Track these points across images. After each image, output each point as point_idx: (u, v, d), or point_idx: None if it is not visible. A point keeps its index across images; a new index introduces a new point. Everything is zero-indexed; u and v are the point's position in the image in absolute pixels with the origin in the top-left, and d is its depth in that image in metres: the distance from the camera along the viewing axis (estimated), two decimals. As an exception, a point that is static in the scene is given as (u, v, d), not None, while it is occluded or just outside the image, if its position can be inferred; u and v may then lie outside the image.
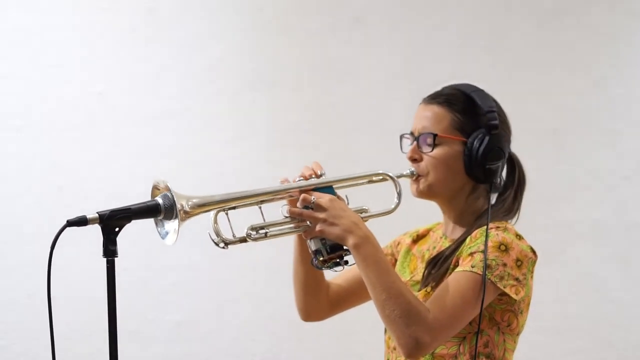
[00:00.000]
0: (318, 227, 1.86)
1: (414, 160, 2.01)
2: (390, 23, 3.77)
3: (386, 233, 2.17)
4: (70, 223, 1.67)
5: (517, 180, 2.05)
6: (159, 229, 1.77)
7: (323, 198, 1.87)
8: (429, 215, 2.17)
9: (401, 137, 2.05)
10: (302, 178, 1.94)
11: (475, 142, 1.96)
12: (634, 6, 3.83)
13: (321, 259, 1.90)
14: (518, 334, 1.98)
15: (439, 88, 2.06)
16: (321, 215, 1.85)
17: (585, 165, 3.80)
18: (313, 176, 1.94)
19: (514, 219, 2.03)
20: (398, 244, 2.20)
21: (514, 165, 2.06)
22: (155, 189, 1.78)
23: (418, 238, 2.16)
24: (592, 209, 3.79)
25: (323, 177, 1.95)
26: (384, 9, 3.77)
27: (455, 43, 3.78)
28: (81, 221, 1.67)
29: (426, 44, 3.77)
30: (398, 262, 2.16)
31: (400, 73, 3.75)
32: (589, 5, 3.83)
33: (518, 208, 2.04)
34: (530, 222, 2.07)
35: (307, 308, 2.13)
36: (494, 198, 2.01)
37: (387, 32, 3.76)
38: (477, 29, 3.80)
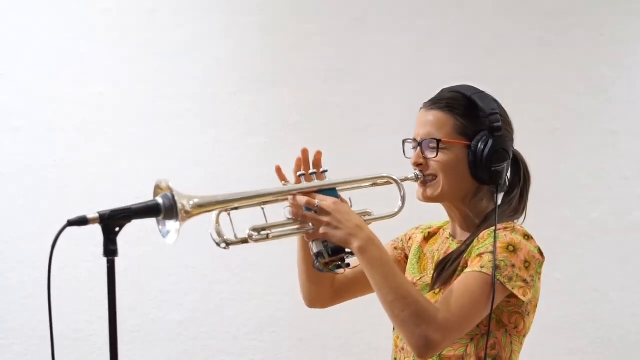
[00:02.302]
0: (322, 231, 1.85)
1: (418, 165, 2.00)
2: (391, 23, 3.77)
3: (389, 235, 2.17)
4: (71, 223, 1.65)
5: (522, 178, 2.04)
6: (160, 227, 1.76)
7: (326, 201, 1.86)
8: (433, 218, 2.17)
9: (404, 142, 2.05)
10: (301, 173, 1.94)
11: (479, 145, 1.95)
12: (634, 6, 3.83)
13: (323, 261, 1.89)
14: (525, 336, 1.98)
15: (438, 91, 2.05)
16: (325, 218, 1.84)
17: (585, 165, 3.80)
18: (314, 172, 1.93)
19: (521, 219, 2.02)
20: (410, 238, 2.19)
21: (519, 164, 2.05)
22: (157, 188, 1.76)
23: (430, 236, 2.16)
24: (592, 208, 3.79)
25: (326, 179, 1.94)
26: (384, 9, 3.77)
27: (455, 43, 3.78)
28: (81, 221, 1.65)
29: (426, 44, 3.77)
30: (409, 259, 2.15)
31: (400, 73, 3.75)
32: (589, 5, 3.83)
33: (524, 207, 2.03)
34: (530, 221, 2.07)
35: (311, 295, 2.14)
36: (500, 199, 2.01)
37: (387, 32, 3.76)
38: (477, 29, 3.80)
